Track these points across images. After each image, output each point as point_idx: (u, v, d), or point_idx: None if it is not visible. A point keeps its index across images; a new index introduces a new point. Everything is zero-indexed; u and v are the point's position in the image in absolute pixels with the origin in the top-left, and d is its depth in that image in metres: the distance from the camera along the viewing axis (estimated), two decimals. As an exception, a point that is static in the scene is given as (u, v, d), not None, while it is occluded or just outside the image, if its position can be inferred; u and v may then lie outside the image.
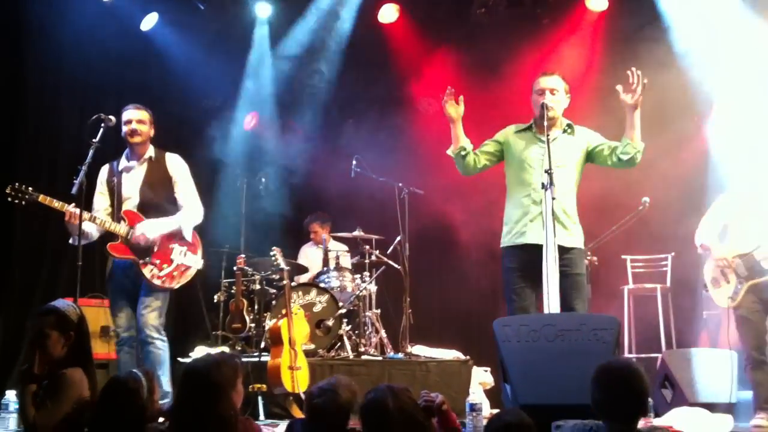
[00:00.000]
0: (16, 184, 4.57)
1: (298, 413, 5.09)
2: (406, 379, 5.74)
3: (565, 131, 4.71)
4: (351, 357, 6.17)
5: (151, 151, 5.01)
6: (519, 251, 4.57)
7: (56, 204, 4.61)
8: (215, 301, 6.91)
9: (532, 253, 4.43)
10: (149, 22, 7.30)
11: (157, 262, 4.83)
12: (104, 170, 5.03)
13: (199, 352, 6.26)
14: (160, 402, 3.57)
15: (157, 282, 4.81)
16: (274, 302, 6.42)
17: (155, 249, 4.84)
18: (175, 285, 4.92)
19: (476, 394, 4.23)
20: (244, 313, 6.43)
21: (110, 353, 5.57)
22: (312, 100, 8.17)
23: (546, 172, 4.31)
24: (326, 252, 7.51)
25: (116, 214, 4.88)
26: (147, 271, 4.79)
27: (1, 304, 6.38)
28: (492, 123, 4.99)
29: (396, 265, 6.88)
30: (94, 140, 4.62)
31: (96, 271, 5.76)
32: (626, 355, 6.88)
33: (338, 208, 7.85)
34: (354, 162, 6.97)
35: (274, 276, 6.58)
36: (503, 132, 4.84)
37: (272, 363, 5.29)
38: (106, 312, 5.56)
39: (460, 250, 7.78)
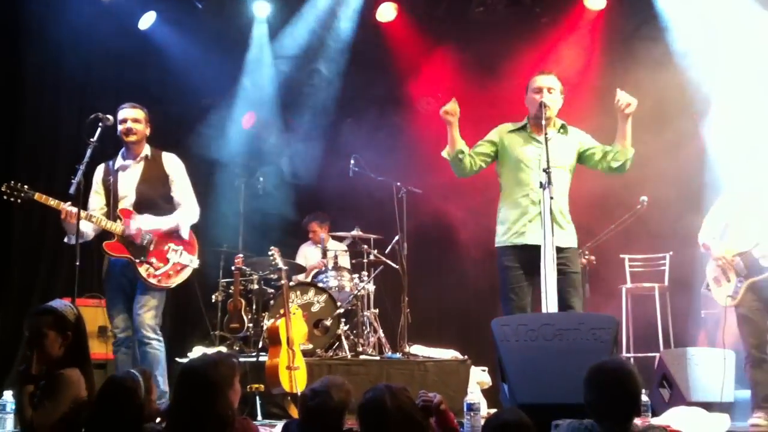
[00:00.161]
0: (12, 182, 4.55)
1: (295, 413, 5.07)
2: (404, 378, 5.73)
3: (559, 131, 4.71)
4: (349, 357, 6.16)
5: (147, 150, 5.00)
6: (517, 251, 4.57)
7: (52, 202, 4.59)
8: (213, 300, 6.89)
9: (531, 253, 4.43)
10: (147, 21, 7.28)
11: (153, 260, 4.82)
12: (100, 169, 5.02)
13: (198, 352, 6.27)
14: (158, 402, 3.58)
15: (153, 281, 4.80)
16: (272, 302, 6.41)
17: (151, 248, 4.83)
18: (172, 284, 4.91)
19: (474, 394, 4.21)
20: (242, 312, 6.44)
21: (108, 353, 5.55)
22: (310, 99, 8.14)
23: (544, 171, 4.30)
24: (324, 251, 7.49)
25: (112, 212, 4.87)
26: (143, 270, 4.78)
27: (-1, 303, 6.38)
28: (490, 121, 4.97)
29: (394, 265, 6.87)
30: (92, 139, 4.61)
31: (94, 271, 5.74)
32: (624, 354, 6.88)
33: (337, 207, 7.84)
34: (352, 161, 6.96)
35: (272, 276, 6.56)
36: (496, 131, 4.80)
37: (270, 363, 5.28)
38: (104, 312, 5.54)
39: (459, 250, 7.78)
